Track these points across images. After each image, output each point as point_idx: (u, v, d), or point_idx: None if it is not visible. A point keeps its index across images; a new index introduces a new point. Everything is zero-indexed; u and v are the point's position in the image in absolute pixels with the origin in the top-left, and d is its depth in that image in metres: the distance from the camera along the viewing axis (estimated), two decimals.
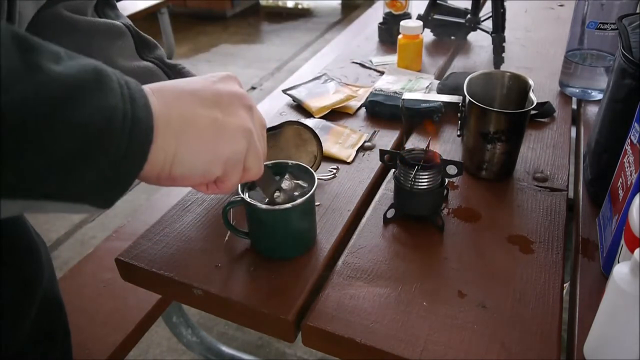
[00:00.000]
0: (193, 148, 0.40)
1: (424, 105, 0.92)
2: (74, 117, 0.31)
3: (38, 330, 0.58)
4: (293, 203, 0.60)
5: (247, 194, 0.62)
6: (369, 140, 0.89)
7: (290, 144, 0.73)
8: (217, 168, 0.42)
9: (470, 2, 1.23)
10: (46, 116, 0.30)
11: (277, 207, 0.60)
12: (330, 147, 0.85)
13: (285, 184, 0.62)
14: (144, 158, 0.36)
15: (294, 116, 0.97)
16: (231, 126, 0.42)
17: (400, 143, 0.90)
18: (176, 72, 0.64)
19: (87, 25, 0.59)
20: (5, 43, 0.29)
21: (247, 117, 0.44)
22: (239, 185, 0.62)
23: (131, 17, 2.65)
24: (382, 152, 0.70)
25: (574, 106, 1.02)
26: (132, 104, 0.34)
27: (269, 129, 0.67)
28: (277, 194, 0.61)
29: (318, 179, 0.64)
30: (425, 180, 0.66)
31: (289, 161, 0.67)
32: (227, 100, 0.42)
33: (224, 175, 0.43)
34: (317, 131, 0.89)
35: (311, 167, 0.67)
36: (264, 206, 0.60)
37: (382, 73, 1.13)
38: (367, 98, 0.98)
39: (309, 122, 0.92)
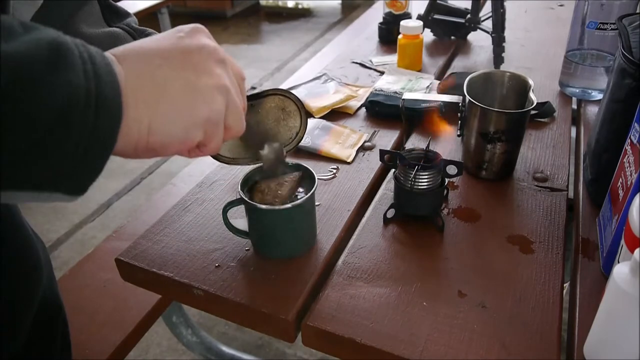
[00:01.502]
0: (168, 114, 0.38)
1: (424, 105, 0.92)
2: (28, 100, 0.28)
3: (37, 331, 0.58)
4: (293, 203, 0.60)
5: (247, 194, 0.62)
6: (369, 140, 0.89)
7: (270, 116, 0.65)
8: (197, 132, 0.40)
9: (470, 2, 1.23)
10: None
11: (277, 207, 0.60)
12: (330, 147, 0.86)
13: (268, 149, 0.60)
14: (114, 138, 0.33)
15: None
16: (206, 86, 0.39)
17: (400, 143, 0.90)
18: (144, 36, 0.61)
19: None
20: None
21: (222, 73, 0.41)
22: (239, 185, 0.62)
23: None
24: (382, 152, 0.70)
25: (574, 106, 1.02)
26: (96, 80, 0.32)
27: (250, 97, 0.60)
28: (265, 150, 0.58)
29: (318, 179, 0.64)
30: (425, 180, 0.66)
31: (289, 161, 0.67)
32: (197, 57, 0.40)
33: (205, 138, 0.41)
34: (317, 131, 0.89)
35: (288, 144, 0.64)
36: (264, 206, 0.60)
37: (382, 73, 1.13)
38: (367, 98, 0.98)
39: (308, 122, 0.92)
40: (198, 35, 0.41)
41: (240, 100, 0.44)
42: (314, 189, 0.61)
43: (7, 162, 0.29)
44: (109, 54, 0.36)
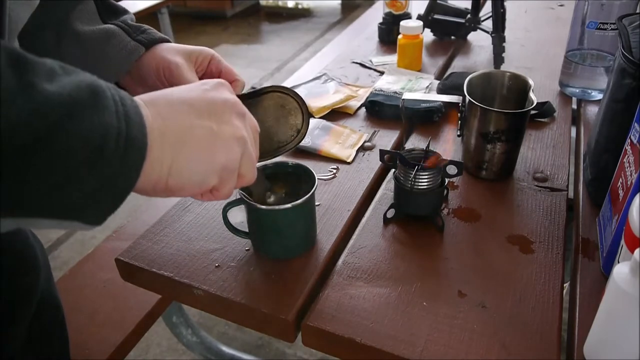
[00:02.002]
0: (189, 159, 0.40)
1: (424, 105, 0.92)
2: (69, 137, 0.31)
3: (35, 332, 0.58)
4: (293, 203, 0.60)
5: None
6: (369, 140, 0.89)
7: (270, 114, 0.64)
8: (213, 177, 0.42)
9: (470, 2, 1.23)
10: (41, 138, 0.30)
11: (277, 207, 0.60)
12: (330, 147, 0.86)
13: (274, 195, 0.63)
14: (137, 176, 0.36)
15: None
16: (226, 135, 0.42)
17: (400, 143, 0.90)
18: (140, 33, 0.61)
19: None
20: (0, 61, 0.29)
21: (241, 125, 0.44)
22: None
23: None
24: (382, 152, 0.70)
25: (574, 106, 1.02)
26: (126, 121, 0.34)
27: (247, 96, 0.60)
28: (268, 196, 0.61)
29: (318, 179, 0.64)
30: (425, 180, 0.66)
31: (289, 161, 0.67)
32: (220, 109, 0.43)
33: (219, 184, 0.43)
34: (317, 131, 0.89)
35: (290, 142, 0.64)
36: (264, 206, 0.60)
37: (382, 73, 1.13)
38: (367, 98, 0.98)
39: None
40: (221, 89, 0.45)
41: (255, 152, 0.47)
42: (313, 189, 0.61)
43: (43, 192, 0.31)
44: (137, 98, 0.38)
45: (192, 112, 0.41)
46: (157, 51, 0.60)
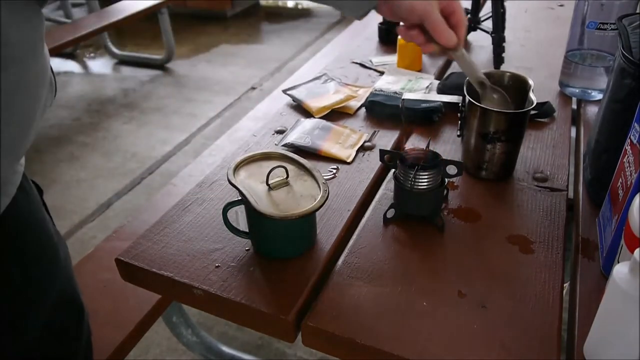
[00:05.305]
0: None
1: (424, 105, 0.92)
2: None
3: (52, 332, 0.57)
4: (298, 213, 0.58)
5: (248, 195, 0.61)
6: (369, 140, 0.89)
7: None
8: None
9: (470, 2, 1.23)
10: None
11: (277, 214, 0.59)
12: (330, 147, 0.86)
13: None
14: None
15: (294, 116, 0.97)
16: None
17: (400, 143, 0.90)
18: None
19: None
20: None
21: None
22: (239, 188, 0.61)
23: (131, 17, 2.64)
24: (382, 152, 0.70)
25: (574, 106, 1.02)
26: None
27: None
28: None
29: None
30: (425, 180, 0.66)
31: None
32: None
33: None
34: (317, 131, 0.89)
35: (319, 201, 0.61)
36: (267, 213, 0.59)
37: (382, 73, 1.13)
38: (367, 98, 0.98)
39: (308, 122, 0.92)
40: None
41: None
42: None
43: None
44: None
45: None
46: None
